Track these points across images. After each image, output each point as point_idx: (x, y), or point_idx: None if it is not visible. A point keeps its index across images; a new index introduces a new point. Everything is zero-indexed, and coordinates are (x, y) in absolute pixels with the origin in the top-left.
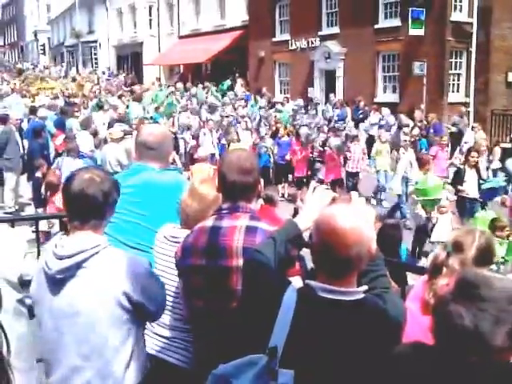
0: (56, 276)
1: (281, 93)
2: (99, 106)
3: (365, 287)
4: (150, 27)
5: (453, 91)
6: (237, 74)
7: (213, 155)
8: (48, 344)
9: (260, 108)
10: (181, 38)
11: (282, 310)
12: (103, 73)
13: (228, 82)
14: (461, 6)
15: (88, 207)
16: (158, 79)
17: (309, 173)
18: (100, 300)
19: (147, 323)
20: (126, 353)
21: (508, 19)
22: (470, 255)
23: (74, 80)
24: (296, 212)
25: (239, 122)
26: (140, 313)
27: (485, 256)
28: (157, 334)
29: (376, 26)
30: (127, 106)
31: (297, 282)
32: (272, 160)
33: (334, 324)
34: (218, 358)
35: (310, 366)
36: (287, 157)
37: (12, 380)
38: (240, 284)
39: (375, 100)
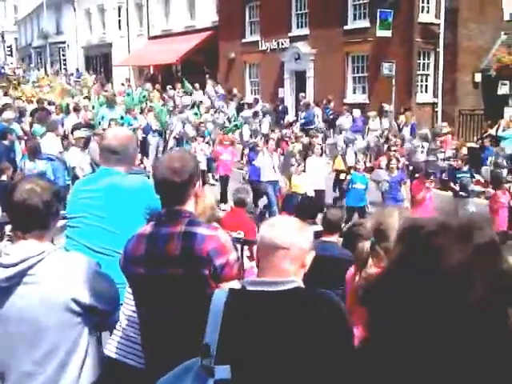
0: (1, 284)
1: (251, 94)
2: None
3: (296, 278)
4: (119, 28)
5: (421, 91)
6: (207, 75)
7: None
8: None
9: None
10: (150, 38)
11: (212, 308)
12: (72, 74)
13: (189, 86)
14: (428, 7)
15: (29, 218)
16: (128, 80)
17: None
18: (48, 307)
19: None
20: (79, 355)
21: (475, 20)
22: (394, 239)
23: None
24: None
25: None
26: (92, 314)
27: None
28: (114, 336)
29: (345, 27)
30: (93, 107)
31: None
32: None
33: (263, 315)
34: (168, 360)
35: (245, 359)
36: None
37: None
38: (180, 291)
39: (345, 101)
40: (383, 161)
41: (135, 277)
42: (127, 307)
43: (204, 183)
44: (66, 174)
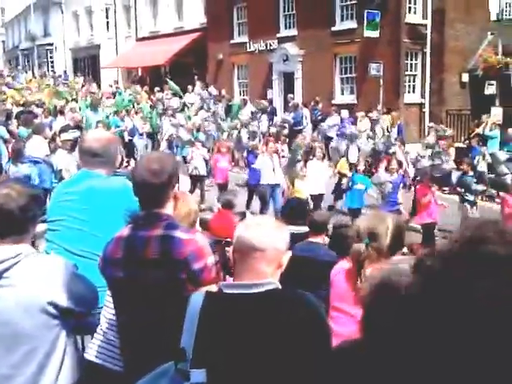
0: None
1: (240, 95)
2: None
3: (272, 279)
4: (107, 30)
5: (409, 92)
6: (196, 77)
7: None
8: None
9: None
10: (138, 40)
11: (189, 311)
12: (59, 76)
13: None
14: (415, 8)
15: (5, 223)
16: (116, 82)
17: None
18: (24, 310)
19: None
20: (57, 357)
21: (461, 20)
22: (386, 243)
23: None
24: None
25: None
26: (69, 316)
27: (398, 241)
28: (95, 340)
29: (333, 29)
30: (79, 108)
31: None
32: None
33: (239, 318)
34: (146, 363)
35: (221, 362)
36: None
37: None
38: (158, 294)
39: (333, 101)
40: (383, 163)
41: (114, 279)
42: (108, 310)
43: (202, 189)
44: (52, 176)
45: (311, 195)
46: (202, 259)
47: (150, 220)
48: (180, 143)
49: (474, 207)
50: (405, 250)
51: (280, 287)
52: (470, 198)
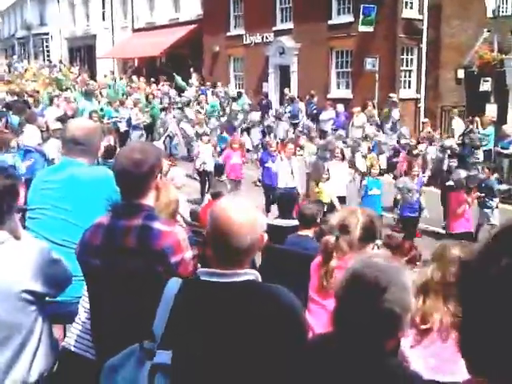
0: None
1: (236, 87)
2: (50, 100)
3: (251, 270)
4: (104, 20)
5: (404, 87)
6: (191, 69)
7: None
8: None
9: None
10: (135, 31)
11: (164, 296)
12: (55, 66)
13: (181, 82)
14: (411, 3)
15: None
16: (112, 72)
17: None
18: (1, 298)
19: None
20: (32, 343)
21: (457, 16)
22: (356, 235)
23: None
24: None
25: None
26: (44, 299)
27: (369, 233)
28: (73, 329)
29: (329, 22)
30: (75, 99)
31: None
32: None
33: (213, 305)
34: (117, 352)
35: (189, 346)
36: None
37: None
38: (133, 285)
39: (329, 96)
40: (403, 166)
41: (90, 267)
42: (86, 300)
43: (210, 185)
44: (45, 165)
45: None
46: (179, 253)
47: (130, 210)
48: (186, 139)
49: (494, 212)
50: (378, 242)
51: (259, 278)
52: (493, 203)
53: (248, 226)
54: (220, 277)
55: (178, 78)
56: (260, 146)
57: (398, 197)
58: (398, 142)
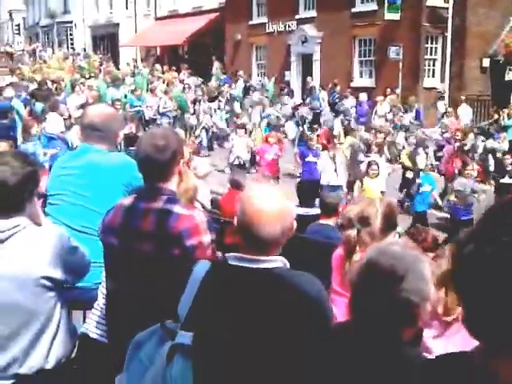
0: None
1: (258, 76)
2: (72, 87)
3: (280, 258)
4: (127, 8)
5: (428, 76)
6: (214, 57)
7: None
8: None
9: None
10: (157, 19)
11: (192, 278)
12: (78, 54)
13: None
14: None
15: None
16: (135, 60)
17: None
18: (20, 283)
19: None
20: (51, 329)
21: (483, 4)
22: (377, 226)
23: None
24: None
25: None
26: (62, 285)
27: (389, 222)
28: (92, 315)
29: (353, 10)
30: (97, 87)
31: None
32: None
33: (240, 291)
34: (130, 334)
35: (212, 330)
36: None
37: None
38: (149, 267)
39: (352, 84)
40: (452, 163)
41: (108, 247)
42: (105, 286)
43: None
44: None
45: None
46: (196, 236)
47: (152, 193)
48: (220, 131)
49: None
50: (399, 229)
51: (287, 265)
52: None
53: (278, 215)
54: (249, 262)
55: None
56: (298, 139)
57: (452, 198)
58: (441, 134)
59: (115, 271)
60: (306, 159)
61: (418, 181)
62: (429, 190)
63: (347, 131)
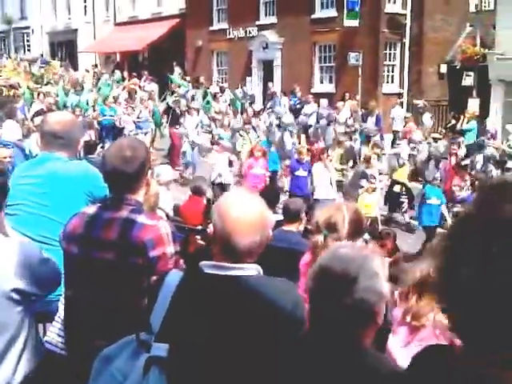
0: None
1: (219, 82)
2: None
3: (255, 265)
4: (85, 14)
5: (387, 82)
6: (174, 63)
7: None
8: None
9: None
10: (117, 25)
11: (164, 288)
12: (35, 60)
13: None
14: None
15: None
16: (95, 66)
17: None
18: None
19: None
20: (19, 344)
21: (440, 11)
22: (344, 232)
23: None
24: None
25: None
26: (31, 299)
27: (356, 228)
28: (53, 328)
29: (313, 16)
30: (57, 95)
31: None
32: None
33: (215, 299)
34: (89, 344)
35: (187, 340)
36: None
37: None
38: (110, 276)
39: (312, 90)
40: (456, 180)
41: (69, 255)
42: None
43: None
44: (25, 161)
45: None
46: (160, 246)
47: (117, 203)
48: (199, 150)
49: None
50: (366, 236)
51: (261, 272)
52: None
53: (259, 224)
54: (225, 270)
55: (175, 78)
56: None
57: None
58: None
59: (75, 280)
60: (296, 173)
61: (423, 191)
62: (437, 203)
63: (338, 143)
